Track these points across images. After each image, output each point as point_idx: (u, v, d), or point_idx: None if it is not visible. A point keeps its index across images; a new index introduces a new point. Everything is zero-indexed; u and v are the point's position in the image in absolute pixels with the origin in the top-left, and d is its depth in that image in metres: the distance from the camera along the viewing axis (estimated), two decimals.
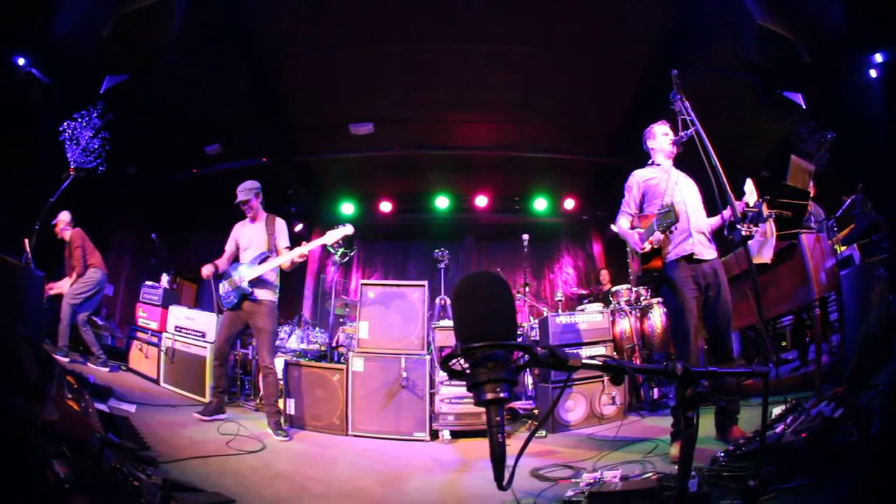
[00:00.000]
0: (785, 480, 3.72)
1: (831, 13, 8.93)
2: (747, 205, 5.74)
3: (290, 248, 7.97)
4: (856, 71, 9.48)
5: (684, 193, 6.24)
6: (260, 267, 7.76)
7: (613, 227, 6.73)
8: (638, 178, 6.53)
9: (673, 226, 5.51)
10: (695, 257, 5.95)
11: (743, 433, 5.86)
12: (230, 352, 7.95)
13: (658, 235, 5.78)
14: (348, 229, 7.97)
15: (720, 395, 5.92)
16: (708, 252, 6.05)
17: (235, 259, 8.12)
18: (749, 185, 6.01)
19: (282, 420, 7.73)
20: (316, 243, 7.96)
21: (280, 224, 8.17)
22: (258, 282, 7.74)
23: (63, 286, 10.03)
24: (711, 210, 6.23)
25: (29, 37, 9.19)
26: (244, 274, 7.72)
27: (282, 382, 8.98)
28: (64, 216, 10.35)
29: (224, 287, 7.92)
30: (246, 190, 8.07)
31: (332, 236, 7.88)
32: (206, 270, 7.97)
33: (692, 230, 6.01)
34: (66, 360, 9.31)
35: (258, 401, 9.87)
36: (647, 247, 5.95)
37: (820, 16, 9.00)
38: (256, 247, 7.97)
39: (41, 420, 4.00)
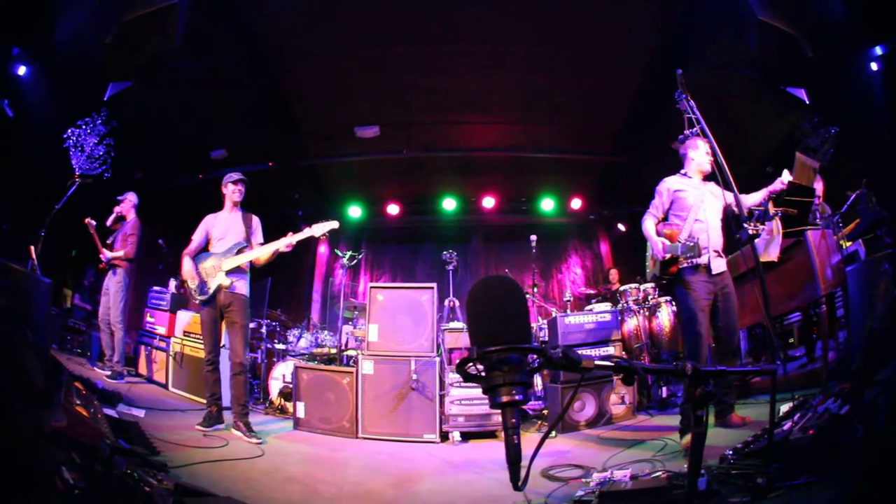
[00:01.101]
0: (793, 477, 3.73)
1: (832, 7, 8.93)
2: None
3: (263, 243, 7.86)
4: (857, 64, 9.49)
5: (707, 212, 6.61)
6: (238, 257, 7.60)
7: (644, 225, 6.86)
8: (669, 186, 6.85)
9: (693, 259, 6.26)
10: (706, 268, 6.36)
11: (742, 418, 6.24)
12: (220, 355, 7.85)
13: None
14: (334, 224, 7.82)
15: (719, 389, 6.13)
16: (719, 266, 6.47)
17: (205, 249, 7.91)
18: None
19: (250, 422, 7.52)
20: (303, 235, 7.72)
21: (257, 221, 8.04)
22: (235, 272, 7.61)
23: (107, 254, 9.99)
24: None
25: (32, 43, 9.21)
26: (222, 264, 7.57)
27: (291, 385, 9.01)
28: (132, 197, 10.44)
29: (199, 276, 7.68)
30: (241, 174, 8.05)
31: (319, 229, 7.72)
32: (188, 271, 7.64)
33: (709, 248, 6.48)
34: (123, 381, 9.38)
35: (267, 405, 9.89)
36: (668, 256, 6.40)
37: (821, 10, 9.01)
38: (234, 237, 7.79)
39: (49, 426, 4.02)
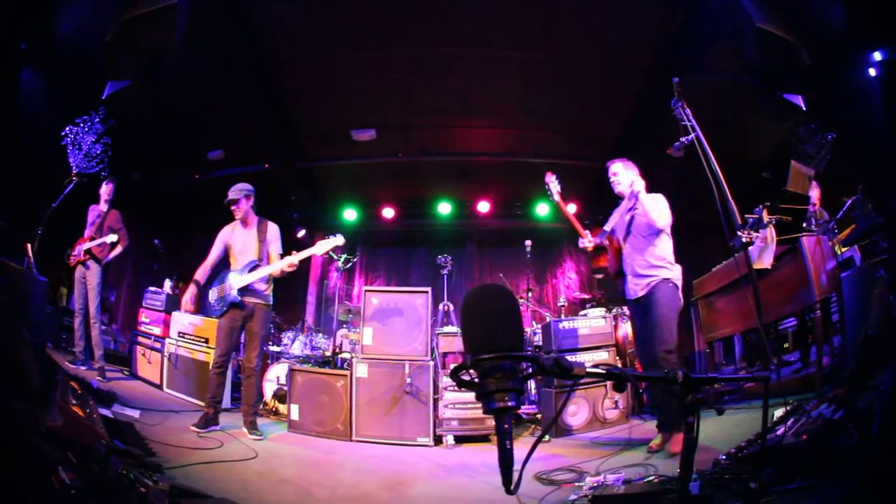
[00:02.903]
0: (786, 482, 3.74)
1: (831, 13, 8.94)
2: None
3: (283, 254, 7.96)
4: (855, 71, 9.50)
5: (623, 239, 7.15)
6: (249, 276, 7.73)
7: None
8: (614, 213, 7.35)
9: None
10: (630, 298, 7.00)
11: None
12: (230, 361, 7.99)
13: None
14: (339, 240, 7.92)
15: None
16: (633, 291, 6.97)
17: (227, 264, 8.09)
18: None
19: (257, 420, 7.82)
20: (306, 253, 7.84)
21: (273, 230, 8.15)
22: (247, 290, 7.76)
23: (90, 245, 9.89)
24: (712, 215, 6.39)
25: (31, 41, 9.20)
26: (234, 282, 7.71)
27: (285, 388, 9.03)
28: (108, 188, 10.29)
29: (214, 294, 7.94)
30: (236, 190, 8.00)
31: (323, 247, 7.87)
32: (188, 302, 7.93)
33: (629, 275, 7.05)
34: (100, 379, 9.32)
35: (261, 406, 9.90)
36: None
37: (819, 17, 9.01)
38: (249, 254, 7.93)
39: (46, 426, 4.02)
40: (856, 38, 9.11)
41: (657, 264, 6.73)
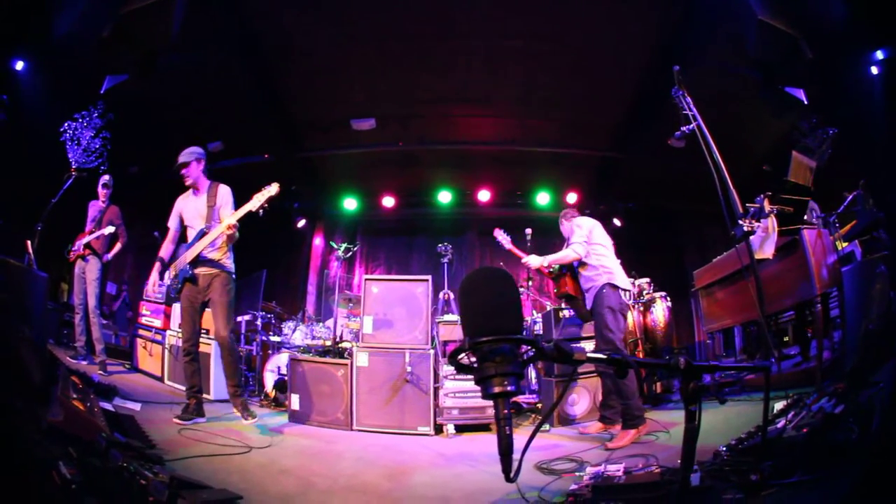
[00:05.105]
0: (786, 475, 3.74)
1: (833, 9, 8.91)
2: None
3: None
4: (858, 67, 9.46)
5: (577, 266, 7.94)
6: (197, 245, 7.34)
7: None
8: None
9: None
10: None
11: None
12: (198, 345, 7.63)
13: None
14: (272, 189, 7.19)
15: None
16: (588, 301, 7.65)
17: (183, 237, 7.77)
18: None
19: (248, 402, 7.60)
20: (241, 212, 7.17)
21: (224, 192, 7.67)
22: (199, 261, 7.39)
23: (107, 254, 10.14)
24: (713, 205, 6.38)
25: (29, 37, 9.18)
26: (186, 255, 7.38)
27: (286, 378, 9.02)
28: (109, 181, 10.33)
29: (170, 273, 7.63)
30: (186, 153, 7.63)
31: (258, 200, 7.14)
32: (153, 283, 7.91)
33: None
34: (102, 373, 9.30)
35: (262, 397, 9.88)
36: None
37: (822, 11, 8.98)
38: (198, 223, 7.55)
39: (46, 421, 4.02)
40: (858, 35, 9.08)
41: (591, 276, 7.62)
